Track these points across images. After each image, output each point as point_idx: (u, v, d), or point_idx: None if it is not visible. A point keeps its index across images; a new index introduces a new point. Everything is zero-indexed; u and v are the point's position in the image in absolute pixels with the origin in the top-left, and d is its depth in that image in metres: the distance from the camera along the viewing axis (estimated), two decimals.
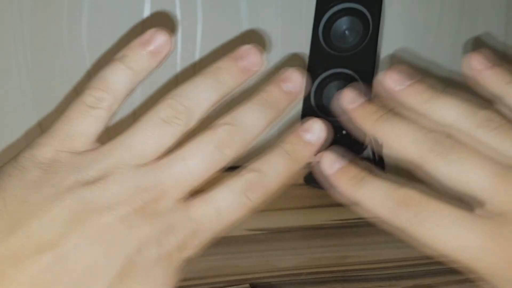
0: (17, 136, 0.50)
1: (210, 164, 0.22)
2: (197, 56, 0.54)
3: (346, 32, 0.46)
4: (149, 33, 0.24)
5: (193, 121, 0.23)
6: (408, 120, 0.23)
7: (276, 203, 0.47)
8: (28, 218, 0.20)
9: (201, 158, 0.22)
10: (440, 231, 0.21)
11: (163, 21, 0.53)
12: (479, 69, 0.25)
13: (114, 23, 0.51)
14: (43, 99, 0.50)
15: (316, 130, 0.24)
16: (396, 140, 0.23)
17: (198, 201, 0.22)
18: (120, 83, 0.23)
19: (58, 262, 0.19)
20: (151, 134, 0.22)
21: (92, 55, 0.52)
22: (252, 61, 0.24)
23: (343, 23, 0.46)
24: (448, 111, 0.23)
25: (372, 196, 0.23)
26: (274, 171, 0.23)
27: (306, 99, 0.48)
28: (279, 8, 0.54)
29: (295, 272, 0.35)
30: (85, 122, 0.22)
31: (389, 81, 0.25)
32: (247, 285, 0.33)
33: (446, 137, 0.22)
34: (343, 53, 0.47)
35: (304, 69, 0.50)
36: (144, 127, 0.22)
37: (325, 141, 0.24)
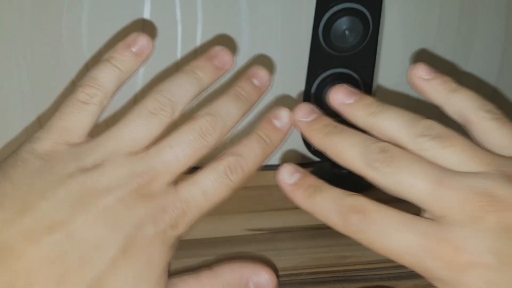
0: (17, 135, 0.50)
1: (195, 150, 0.25)
2: (198, 56, 0.54)
3: (346, 32, 0.46)
4: (132, 36, 0.27)
5: (177, 112, 0.26)
6: (354, 133, 0.25)
7: (276, 203, 0.47)
8: (37, 200, 0.22)
9: (186, 145, 0.25)
10: (385, 235, 0.22)
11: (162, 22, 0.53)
12: (425, 78, 0.26)
13: (114, 23, 0.51)
14: (42, 98, 0.50)
15: (283, 117, 0.27)
16: (342, 152, 0.24)
17: (186, 184, 0.25)
18: (109, 81, 0.26)
19: (68, 238, 0.22)
20: (141, 125, 0.25)
21: (91, 54, 0.52)
22: (224, 60, 0.28)
23: (343, 23, 0.46)
24: (391, 122, 0.24)
25: (323, 205, 0.24)
26: (252, 154, 0.26)
27: (306, 99, 0.48)
28: (279, 8, 0.54)
29: (295, 272, 0.35)
30: (79, 117, 0.25)
31: (337, 96, 0.26)
32: None
33: (388, 148, 0.23)
34: (343, 53, 0.47)
35: (305, 70, 0.50)
36: (134, 118, 0.25)
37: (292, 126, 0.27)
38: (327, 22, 0.47)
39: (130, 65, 0.27)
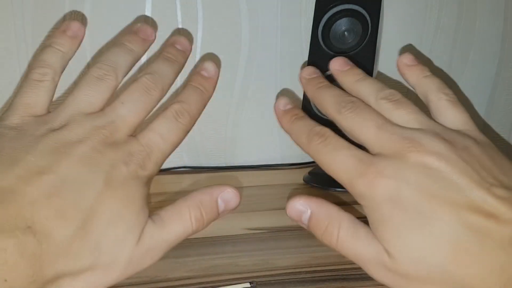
0: None
1: (143, 103, 0.29)
2: (198, 55, 0.55)
3: (345, 33, 0.46)
4: (65, 23, 0.32)
5: (120, 77, 0.30)
6: (336, 89, 0.31)
7: (276, 203, 0.47)
8: (23, 155, 0.25)
9: (135, 99, 0.29)
10: (333, 155, 0.28)
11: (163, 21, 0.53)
12: (408, 65, 0.33)
13: (115, 23, 0.51)
14: None
15: (209, 69, 0.33)
16: (323, 101, 0.31)
17: (144, 132, 0.29)
18: (55, 61, 0.30)
19: (58, 178, 0.25)
20: (92, 89, 0.29)
21: (92, 54, 0.52)
22: (147, 33, 0.33)
23: (342, 24, 0.46)
24: (366, 88, 0.31)
25: (298, 128, 0.30)
26: (192, 99, 0.31)
27: (306, 98, 0.49)
28: (279, 8, 0.55)
29: (295, 270, 0.35)
30: (37, 92, 0.29)
31: (336, 63, 0.33)
32: (247, 283, 0.33)
33: (355, 100, 0.30)
34: (342, 54, 0.47)
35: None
36: (85, 85, 0.29)
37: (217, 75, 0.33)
38: (326, 23, 0.47)
39: (69, 47, 0.31)
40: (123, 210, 0.26)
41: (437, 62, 0.60)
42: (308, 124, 0.30)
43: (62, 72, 0.31)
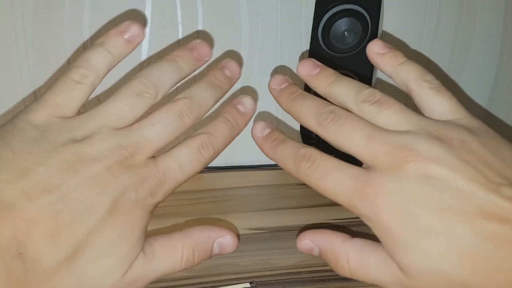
0: None
1: (173, 129, 0.28)
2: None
3: (345, 33, 0.46)
4: (125, 24, 0.29)
5: (159, 96, 0.28)
6: (313, 98, 0.29)
7: (276, 203, 0.47)
8: (35, 166, 0.24)
9: (166, 123, 0.28)
10: (325, 178, 0.26)
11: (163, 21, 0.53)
12: (380, 53, 0.30)
13: (115, 23, 0.51)
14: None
15: (247, 104, 0.31)
16: (301, 113, 0.29)
17: (164, 157, 0.28)
18: (101, 64, 0.28)
19: (61, 199, 0.24)
20: (127, 104, 0.27)
21: None
22: (202, 53, 0.31)
23: (342, 24, 0.46)
24: (342, 90, 0.29)
25: (283, 154, 0.29)
26: (221, 134, 0.29)
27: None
28: (279, 9, 0.55)
29: (295, 270, 0.35)
30: (71, 94, 0.27)
31: (304, 68, 0.31)
32: (247, 283, 0.33)
33: (335, 110, 0.28)
34: (342, 54, 0.47)
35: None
36: (121, 97, 0.28)
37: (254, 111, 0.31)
38: (326, 23, 0.47)
39: (121, 51, 0.29)
40: (120, 241, 0.26)
41: (437, 62, 0.60)
42: (291, 147, 0.28)
43: (104, 77, 0.29)
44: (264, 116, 0.58)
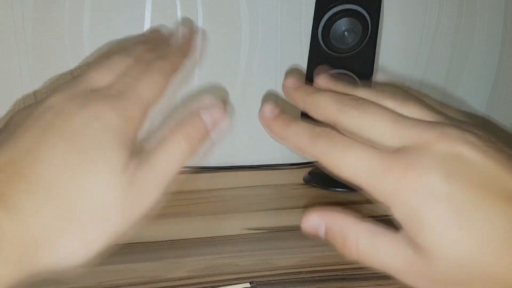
0: None
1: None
2: (198, 55, 0.55)
3: (345, 33, 0.46)
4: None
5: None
6: (329, 91, 0.28)
7: (276, 203, 0.47)
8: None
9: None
10: (345, 156, 0.25)
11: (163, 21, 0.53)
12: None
13: (115, 23, 0.51)
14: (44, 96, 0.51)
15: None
16: (317, 104, 0.28)
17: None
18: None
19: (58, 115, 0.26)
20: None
21: (91, 52, 0.52)
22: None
23: (342, 24, 0.46)
24: (364, 90, 0.28)
25: (297, 131, 0.27)
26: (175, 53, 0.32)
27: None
28: (279, 9, 0.55)
29: (295, 270, 0.35)
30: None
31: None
32: (247, 283, 0.33)
33: (357, 98, 0.27)
34: (342, 54, 0.47)
35: (304, 71, 0.50)
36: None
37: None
38: (326, 23, 0.47)
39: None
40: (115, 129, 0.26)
41: (437, 62, 0.60)
42: (306, 126, 0.27)
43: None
44: None
